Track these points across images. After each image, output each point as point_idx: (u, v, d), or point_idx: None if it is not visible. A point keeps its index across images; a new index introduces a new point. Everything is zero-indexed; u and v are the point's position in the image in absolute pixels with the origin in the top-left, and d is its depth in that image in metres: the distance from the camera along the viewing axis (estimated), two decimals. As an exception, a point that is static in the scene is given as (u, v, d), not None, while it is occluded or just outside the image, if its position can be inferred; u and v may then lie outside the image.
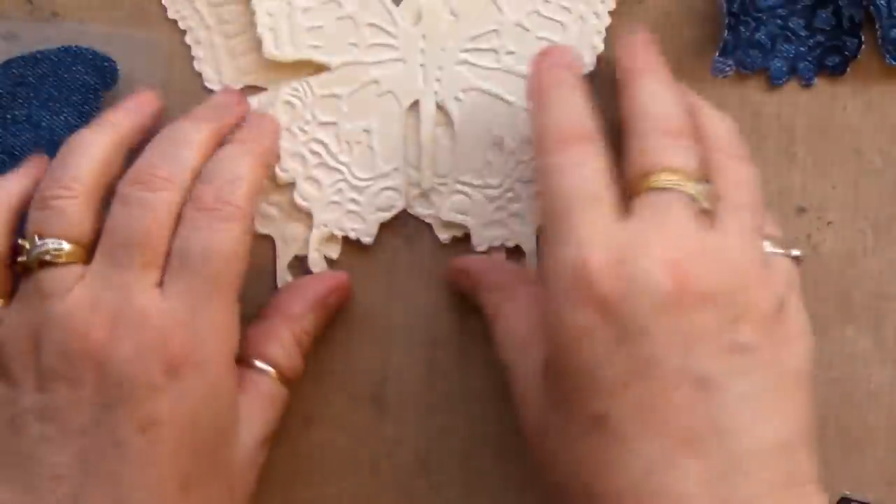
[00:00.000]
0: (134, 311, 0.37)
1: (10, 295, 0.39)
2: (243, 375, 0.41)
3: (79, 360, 0.37)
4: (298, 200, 0.44)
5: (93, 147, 0.40)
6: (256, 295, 0.44)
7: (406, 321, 0.45)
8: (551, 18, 0.44)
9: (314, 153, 0.44)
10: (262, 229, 0.45)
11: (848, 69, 0.44)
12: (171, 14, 0.45)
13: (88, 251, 0.39)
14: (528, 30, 0.44)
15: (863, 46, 0.44)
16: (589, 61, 0.44)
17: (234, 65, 0.44)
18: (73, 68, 0.44)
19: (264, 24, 0.43)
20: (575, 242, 0.36)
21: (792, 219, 0.44)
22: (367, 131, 0.44)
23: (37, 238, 0.38)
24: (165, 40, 0.45)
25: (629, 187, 0.37)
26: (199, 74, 0.45)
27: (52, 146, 0.43)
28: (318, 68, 0.44)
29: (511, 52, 0.44)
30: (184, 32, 0.45)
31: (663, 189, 0.37)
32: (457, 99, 0.44)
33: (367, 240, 0.44)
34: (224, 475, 0.39)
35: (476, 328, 0.44)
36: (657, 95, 0.39)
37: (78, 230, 0.39)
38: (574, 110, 0.38)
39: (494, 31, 0.44)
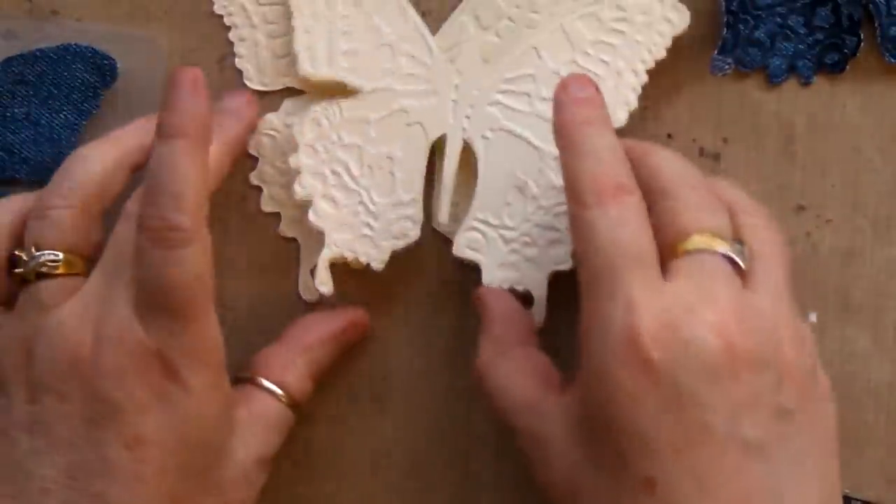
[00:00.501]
0: (115, 332, 0.37)
1: (10, 304, 0.39)
2: (249, 394, 0.41)
3: (66, 374, 0.36)
4: (313, 219, 0.43)
5: (93, 161, 0.40)
6: (271, 287, 0.45)
7: (406, 321, 0.45)
8: (589, 70, 0.43)
9: (335, 173, 0.43)
10: (289, 232, 0.45)
11: (847, 67, 0.44)
12: (217, 9, 0.45)
13: (87, 263, 0.39)
14: None
15: (862, 44, 0.44)
16: (622, 117, 0.43)
17: (275, 65, 0.45)
18: (73, 66, 0.44)
19: (302, 42, 0.43)
20: (622, 306, 0.35)
21: (791, 217, 0.44)
22: (390, 158, 0.44)
23: (34, 249, 0.38)
24: (165, 38, 0.45)
25: (666, 247, 0.37)
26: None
27: (51, 144, 0.43)
28: (351, 90, 0.44)
29: (544, 99, 0.43)
30: (228, 29, 0.45)
31: (702, 251, 0.37)
32: (484, 137, 0.44)
33: (377, 266, 0.44)
34: (216, 493, 0.39)
35: (476, 328, 0.44)
36: (675, 159, 0.40)
37: (73, 240, 0.39)
38: (608, 157, 0.38)
39: (531, 75, 0.44)
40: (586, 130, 0.38)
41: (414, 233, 0.44)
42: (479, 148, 0.44)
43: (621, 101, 0.43)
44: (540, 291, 0.43)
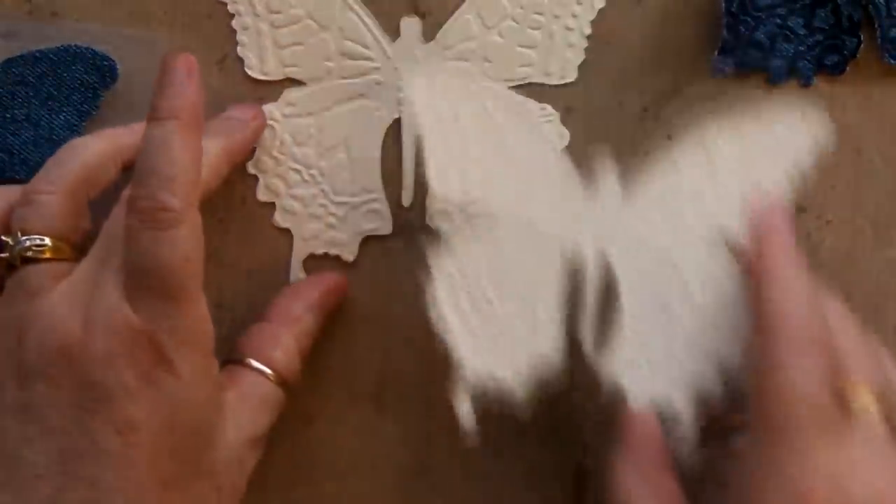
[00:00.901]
0: (105, 316, 0.37)
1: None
2: (238, 375, 0.41)
3: (56, 359, 0.36)
4: (455, 348, 0.41)
5: (85, 151, 0.40)
6: (270, 287, 0.44)
7: (406, 321, 0.45)
8: (730, 187, 0.42)
9: (471, 296, 0.42)
10: (282, 223, 0.45)
11: (847, 68, 0.44)
12: None
13: (75, 249, 0.39)
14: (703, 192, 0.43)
15: (862, 46, 0.44)
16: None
17: (278, 55, 0.45)
18: (73, 67, 0.44)
19: (435, 172, 0.42)
20: (798, 467, 0.35)
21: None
22: (528, 283, 0.42)
23: (20, 234, 0.38)
24: (165, 39, 0.45)
25: (834, 397, 0.37)
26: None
27: (51, 145, 0.43)
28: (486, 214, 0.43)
29: (684, 215, 0.42)
30: (228, 30, 0.45)
31: (870, 412, 0.37)
32: (625, 258, 0.42)
33: (521, 402, 0.42)
34: (208, 475, 0.39)
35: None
36: (845, 312, 0.40)
37: (59, 225, 0.39)
38: (809, 305, 0.37)
39: (671, 191, 0.42)
40: (791, 271, 0.38)
41: (552, 355, 0.42)
42: (619, 269, 0.42)
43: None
44: (687, 415, 0.41)
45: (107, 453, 0.36)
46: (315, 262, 0.45)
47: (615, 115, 0.44)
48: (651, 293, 0.42)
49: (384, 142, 0.45)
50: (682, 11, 0.44)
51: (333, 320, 0.45)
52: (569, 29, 0.44)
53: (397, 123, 0.44)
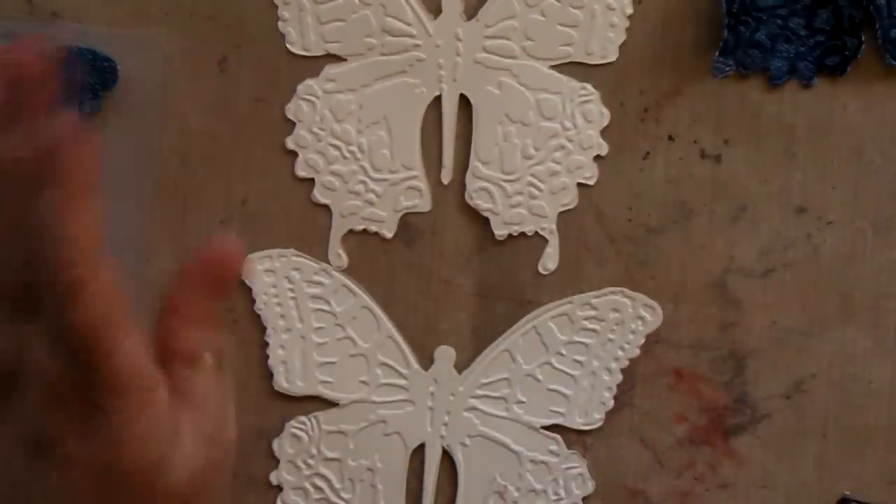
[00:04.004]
0: (34, 366, 0.36)
1: None
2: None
3: (2, 399, 0.37)
4: None
5: None
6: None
7: (406, 321, 0.45)
8: (564, 371, 0.44)
9: (317, 488, 0.44)
10: (322, 198, 0.45)
11: (848, 69, 0.44)
12: None
13: None
14: (539, 381, 0.44)
15: (863, 46, 0.43)
16: (598, 418, 0.44)
17: (319, 31, 0.44)
18: (73, 68, 0.44)
19: (277, 357, 0.44)
20: None
21: (792, 219, 0.44)
22: (370, 470, 0.44)
23: None
24: (165, 40, 0.45)
25: None
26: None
27: (51, 146, 0.43)
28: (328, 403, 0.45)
29: (521, 402, 0.44)
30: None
31: None
32: (463, 444, 0.44)
33: None
34: (169, 499, 0.38)
35: (475, 327, 0.44)
36: None
37: None
38: None
39: (506, 379, 0.44)
40: None
41: None
42: (457, 454, 0.44)
43: (597, 401, 0.44)
44: None
45: (50, 489, 0.36)
46: (354, 239, 0.45)
47: (616, 115, 0.44)
48: (488, 479, 0.44)
49: (424, 119, 0.45)
50: (683, 12, 0.44)
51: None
52: (610, 8, 0.44)
53: (438, 101, 0.44)
